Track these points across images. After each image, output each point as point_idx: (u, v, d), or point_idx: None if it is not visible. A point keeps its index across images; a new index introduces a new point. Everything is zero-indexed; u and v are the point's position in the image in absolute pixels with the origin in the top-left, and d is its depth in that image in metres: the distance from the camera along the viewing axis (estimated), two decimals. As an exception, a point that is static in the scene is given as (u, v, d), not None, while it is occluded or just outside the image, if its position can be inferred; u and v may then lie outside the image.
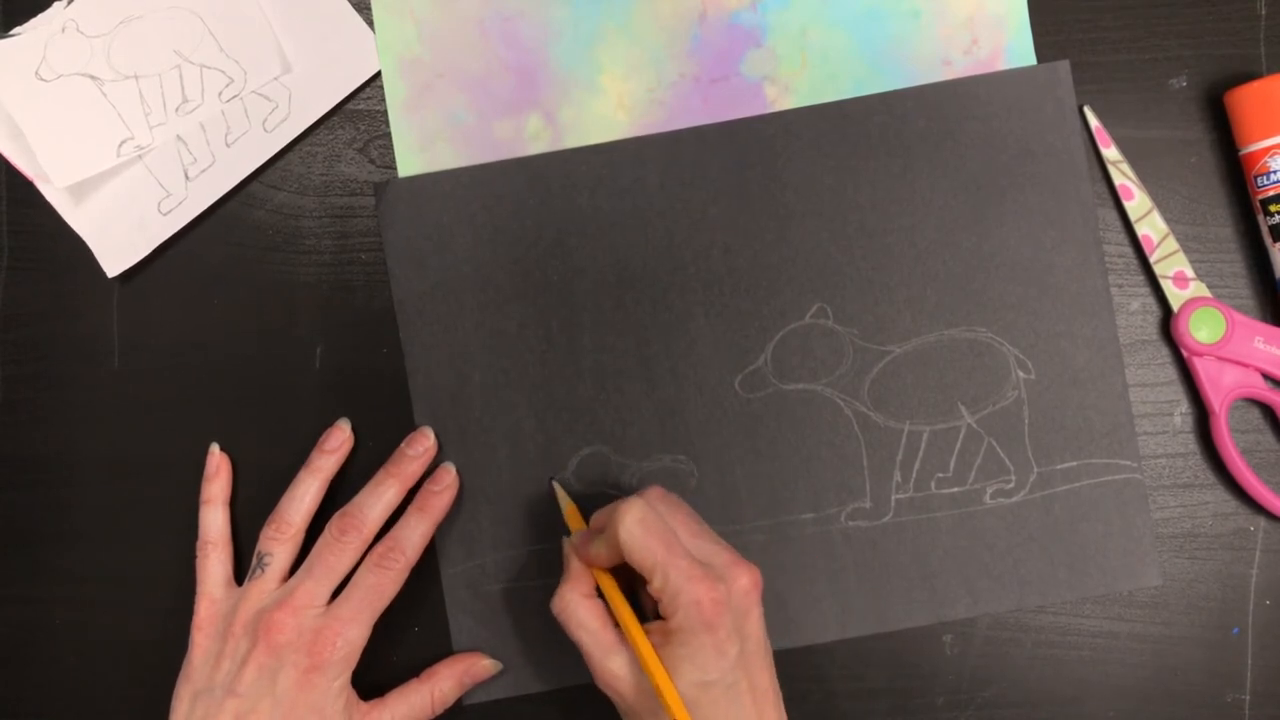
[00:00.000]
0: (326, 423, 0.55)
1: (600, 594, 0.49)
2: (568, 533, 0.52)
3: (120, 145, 0.55)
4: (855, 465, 0.55)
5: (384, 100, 0.56)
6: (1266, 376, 0.54)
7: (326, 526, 0.52)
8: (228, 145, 0.55)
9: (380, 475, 0.53)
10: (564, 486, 0.54)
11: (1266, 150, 0.53)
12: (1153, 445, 0.55)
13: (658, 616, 0.48)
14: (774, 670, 0.48)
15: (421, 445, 0.54)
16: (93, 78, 0.55)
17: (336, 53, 0.56)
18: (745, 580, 0.47)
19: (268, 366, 0.56)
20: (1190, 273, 0.55)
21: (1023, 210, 0.55)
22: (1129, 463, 0.54)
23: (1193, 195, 0.55)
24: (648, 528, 0.46)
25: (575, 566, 0.50)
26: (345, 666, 0.50)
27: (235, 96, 0.55)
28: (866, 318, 0.55)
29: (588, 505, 0.54)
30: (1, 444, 0.56)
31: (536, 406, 0.55)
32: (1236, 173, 0.55)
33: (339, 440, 0.54)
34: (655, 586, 0.46)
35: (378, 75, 0.56)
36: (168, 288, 0.56)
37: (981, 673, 0.55)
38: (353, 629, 0.50)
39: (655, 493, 0.49)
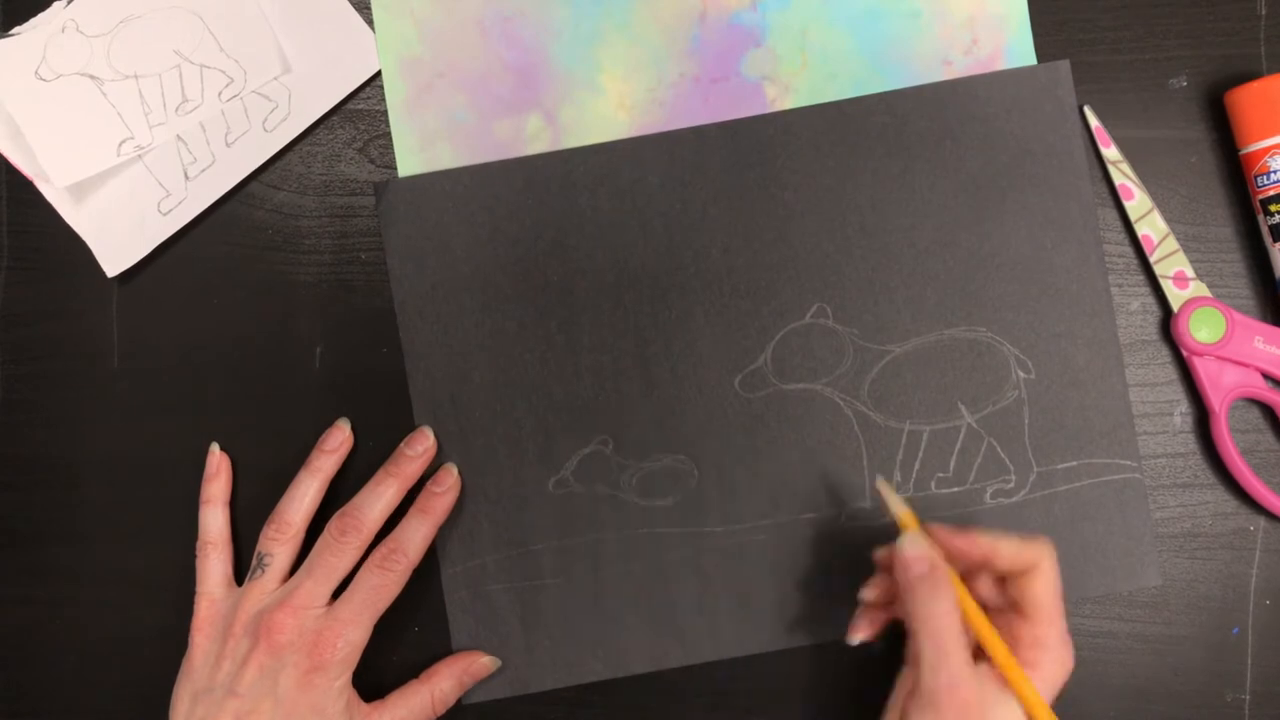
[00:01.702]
0: (326, 423, 0.55)
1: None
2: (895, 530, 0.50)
3: (120, 145, 0.55)
4: (855, 465, 0.55)
5: (384, 100, 0.56)
6: (1266, 376, 0.54)
7: (326, 527, 0.52)
8: (228, 145, 0.55)
9: (380, 475, 0.53)
10: (563, 486, 0.54)
11: (1266, 150, 0.53)
12: (1153, 445, 0.55)
13: None
14: None
15: (421, 445, 0.54)
16: (93, 78, 0.55)
17: (336, 53, 0.56)
18: (1069, 667, 0.47)
19: (268, 366, 0.56)
20: (1190, 273, 0.55)
21: (1023, 210, 0.55)
22: (1129, 463, 0.54)
23: (1193, 195, 0.55)
24: (1058, 579, 0.47)
25: (945, 574, 0.47)
26: (346, 667, 0.50)
27: (235, 96, 0.55)
28: (866, 318, 0.55)
29: (589, 505, 0.54)
30: (1, 444, 0.56)
31: (536, 406, 0.55)
32: (1236, 173, 0.55)
33: (339, 440, 0.54)
34: (1039, 631, 0.46)
35: (378, 75, 0.56)
36: (168, 288, 0.56)
37: (981, 673, 0.55)
38: (354, 630, 0.50)
39: None
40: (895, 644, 0.55)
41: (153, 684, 0.53)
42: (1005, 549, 0.47)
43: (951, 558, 0.47)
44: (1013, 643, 0.47)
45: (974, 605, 0.47)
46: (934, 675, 0.44)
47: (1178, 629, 0.55)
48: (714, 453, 0.55)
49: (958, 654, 0.45)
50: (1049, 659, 0.46)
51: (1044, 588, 0.46)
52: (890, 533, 0.55)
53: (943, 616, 0.45)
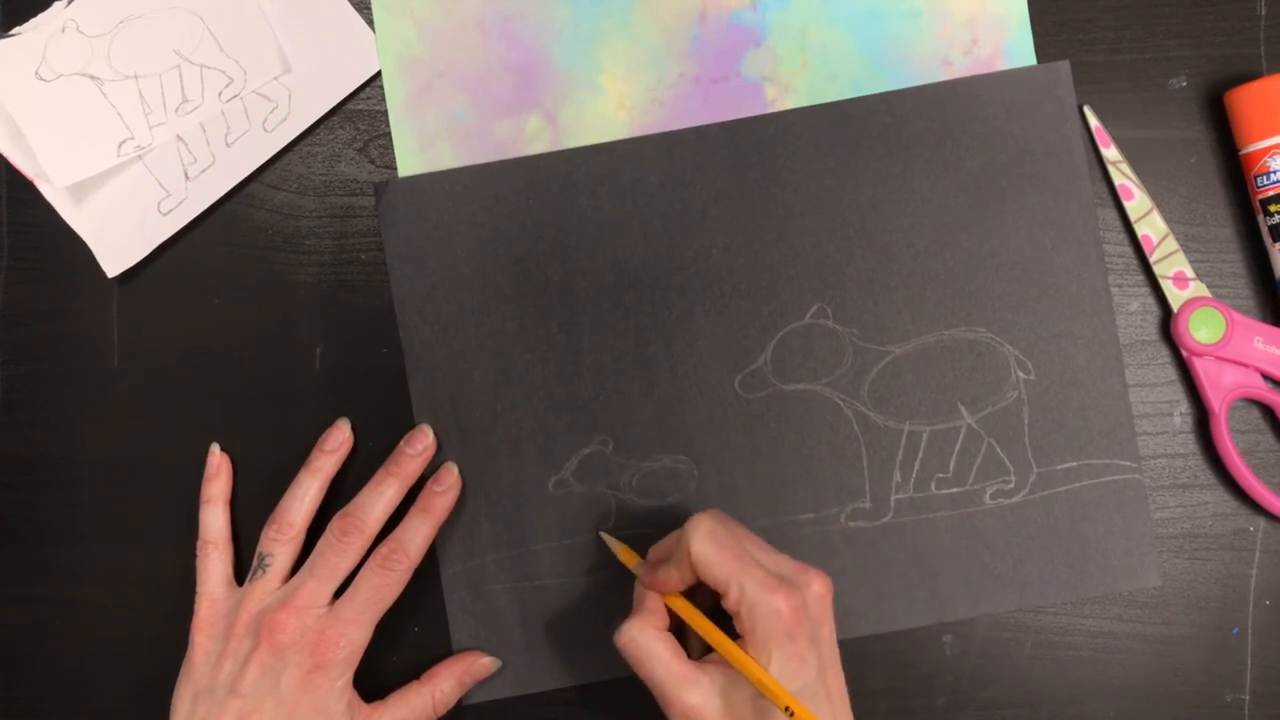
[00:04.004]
0: (326, 423, 0.55)
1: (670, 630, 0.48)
2: (631, 576, 0.51)
3: (120, 145, 0.55)
4: (855, 465, 0.55)
5: (384, 100, 0.56)
6: (1266, 376, 0.54)
7: (328, 527, 0.52)
8: (228, 145, 0.55)
9: (380, 475, 0.53)
10: (563, 486, 0.54)
11: (1266, 150, 0.53)
12: (1153, 445, 0.55)
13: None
14: (843, 674, 0.47)
15: (421, 443, 0.54)
16: (93, 78, 0.55)
17: (336, 53, 0.56)
18: (818, 586, 0.46)
19: (268, 366, 0.56)
20: (1190, 273, 0.55)
21: (1023, 210, 0.55)
22: (1129, 463, 0.54)
23: (1193, 195, 0.55)
24: (719, 541, 0.46)
25: (648, 602, 0.48)
26: (348, 666, 0.50)
27: (235, 96, 0.55)
28: (866, 318, 0.55)
29: (589, 505, 0.54)
30: (1, 444, 0.56)
31: (536, 406, 0.55)
32: (1236, 173, 0.55)
33: (339, 440, 0.54)
34: (732, 599, 0.45)
35: (378, 75, 0.56)
36: (168, 288, 0.56)
37: (981, 673, 0.55)
38: (356, 629, 0.50)
39: (714, 511, 0.48)
40: (901, 651, 0.55)
41: (153, 684, 0.53)
42: (675, 564, 0.47)
43: (673, 583, 0.48)
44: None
45: (690, 608, 0.48)
46: (665, 704, 0.46)
47: (1178, 629, 0.55)
48: (714, 453, 0.55)
49: (670, 674, 0.46)
50: (753, 618, 0.45)
51: (702, 565, 0.46)
52: (891, 534, 0.55)
53: (648, 644, 0.47)
